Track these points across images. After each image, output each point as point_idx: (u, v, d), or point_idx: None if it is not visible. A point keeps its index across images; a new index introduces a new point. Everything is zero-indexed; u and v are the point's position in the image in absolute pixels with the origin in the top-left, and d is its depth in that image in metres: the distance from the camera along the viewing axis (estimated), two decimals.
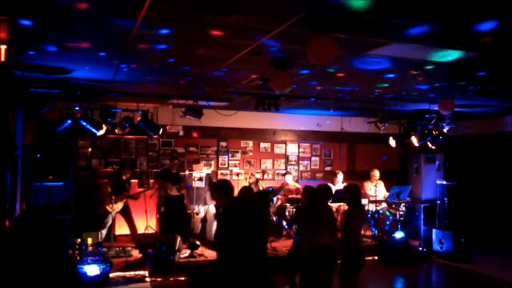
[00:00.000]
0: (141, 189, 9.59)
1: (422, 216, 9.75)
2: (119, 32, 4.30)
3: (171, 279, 7.17)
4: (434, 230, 9.14)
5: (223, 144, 10.97)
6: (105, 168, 9.83)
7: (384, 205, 10.07)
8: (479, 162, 11.03)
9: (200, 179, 9.28)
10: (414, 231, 9.91)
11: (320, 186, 5.48)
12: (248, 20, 3.91)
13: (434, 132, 9.42)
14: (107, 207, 8.50)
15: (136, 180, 9.89)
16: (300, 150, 11.73)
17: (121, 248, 8.41)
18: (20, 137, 7.77)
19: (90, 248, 7.10)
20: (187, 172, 9.65)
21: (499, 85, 6.73)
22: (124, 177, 8.78)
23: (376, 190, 9.80)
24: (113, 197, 8.42)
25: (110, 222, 8.55)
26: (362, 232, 9.50)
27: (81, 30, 4.28)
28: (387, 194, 10.03)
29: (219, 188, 4.76)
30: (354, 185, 5.60)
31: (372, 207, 9.78)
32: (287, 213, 9.49)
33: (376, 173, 10.15)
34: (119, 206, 8.58)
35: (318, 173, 11.85)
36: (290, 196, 9.77)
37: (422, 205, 9.91)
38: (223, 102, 8.89)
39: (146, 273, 7.30)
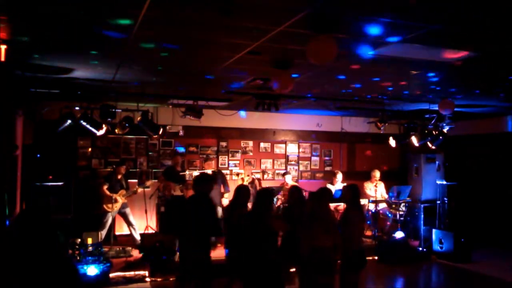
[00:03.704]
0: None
1: (422, 216, 9.75)
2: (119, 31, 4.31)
3: (171, 279, 7.16)
4: (434, 230, 9.14)
5: (223, 144, 10.97)
6: (105, 168, 9.82)
7: (384, 205, 10.07)
8: (479, 162, 11.03)
9: None
10: (414, 231, 9.91)
11: (320, 189, 5.50)
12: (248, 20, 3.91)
13: (434, 132, 9.41)
14: (106, 207, 8.51)
15: (135, 180, 9.87)
16: (300, 150, 11.73)
17: (121, 248, 8.40)
18: (20, 137, 7.77)
19: (90, 248, 7.10)
20: (187, 172, 9.65)
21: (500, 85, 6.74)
22: (119, 176, 8.78)
23: (376, 190, 9.79)
24: (113, 197, 8.45)
25: (109, 222, 8.55)
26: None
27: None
28: (387, 195, 10.04)
29: None
30: (354, 185, 5.61)
31: (372, 207, 9.77)
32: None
33: (377, 174, 10.14)
34: (117, 205, 8.59)
35: (318, 173, 11.84)
36: None
37: (422, 205, 9.92)
38: (223, 102, 8.89)
39: (146, 273, 7.30)
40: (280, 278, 4.85)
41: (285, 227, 5.72)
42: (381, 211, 10.00)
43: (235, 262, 5.30)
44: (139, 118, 8.20)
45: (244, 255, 4.77)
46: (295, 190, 6.33)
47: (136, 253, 8.10)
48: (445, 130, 9.50)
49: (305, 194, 10.11)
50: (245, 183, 9.83)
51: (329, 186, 10.26)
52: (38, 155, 8.63)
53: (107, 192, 8.51)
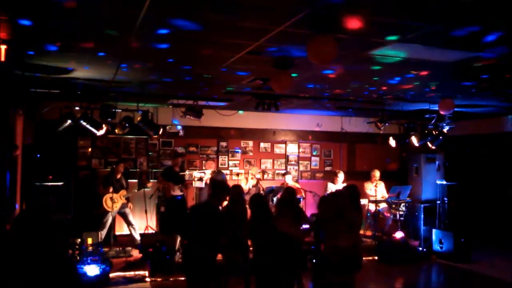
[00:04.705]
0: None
1: (422, 216, 9.75)
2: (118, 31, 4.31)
3: (171, 279, 7.17)
4: (434, 230, 9.13)
5: (223, 144, 10.97)
6: (105, 168, 9.82)
7: (384, 205, 10.06)
8: (479, 162, 11.03)
9: (200, 179, 9.29)
10: (414, 231, 9.91)
11: (349, 187, 5.51)
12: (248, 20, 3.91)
13: (434, 132, 9.41)
14: (106, 207, 8.50)
15: (135, 180, 9.87)
16: (300, 150, 11.73)
17: (121, 248, 8.41)
18: (20, 137, 7.77)
19: (90, 248, 7.10)
20: (187, 172, 9.65)
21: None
22: (118, 175, 8.78)
23: (376, 190, 9.79)
24: (113, 196, 8.45)
25: (109, 221, 8.55)
26: (362, 232, 9.52)
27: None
28: (387, 194, 10.03)
29: None
30: (353, 185, 5.61)
31: (372, 207, 9.77)
32: None
33: (377, 174, 10.14)
34: (117, 205, 8.59)
35: (318, 173, 11.85)
36: None
37: (422, 205, 9.92)
38: (223, 102, 8.89)
39: (146, 273, 7.30)
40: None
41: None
42: (381, 211, 10.00)
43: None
44: (139, 118, 8.21)
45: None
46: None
47: (136, 253, 8.10)
48: (445, 130, 9.50)
49: (305, 194, 10.17)
50: (249, 183, 9.84)
51: (330, 185, 10.26)
52: (38, 155, 8.63)
53: (108, 192, 8.53)
